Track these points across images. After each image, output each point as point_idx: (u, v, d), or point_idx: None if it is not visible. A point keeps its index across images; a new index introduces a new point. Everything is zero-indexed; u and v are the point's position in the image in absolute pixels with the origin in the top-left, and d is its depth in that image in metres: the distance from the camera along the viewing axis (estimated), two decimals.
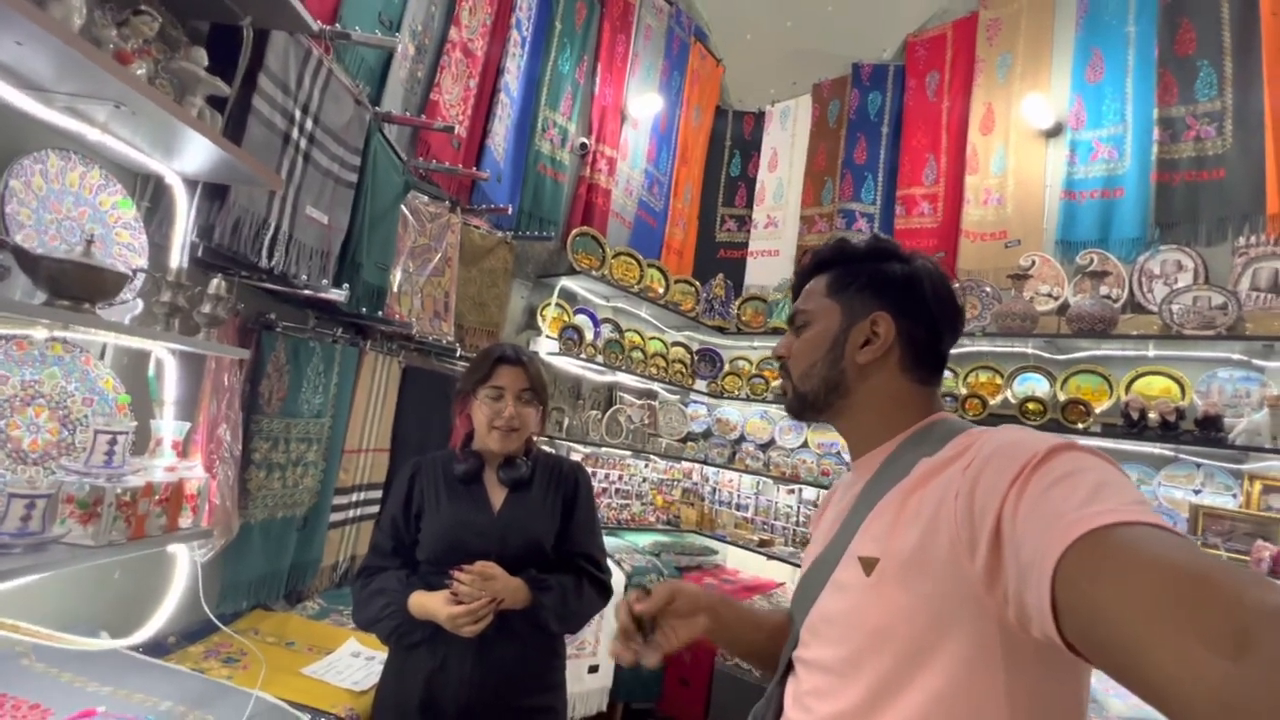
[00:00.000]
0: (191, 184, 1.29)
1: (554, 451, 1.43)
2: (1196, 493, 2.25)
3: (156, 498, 1.08)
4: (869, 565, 0.66)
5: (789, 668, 0.76)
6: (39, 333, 1.06)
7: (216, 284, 1.20)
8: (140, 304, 1.19)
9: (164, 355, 1.28)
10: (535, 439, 1.43)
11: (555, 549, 1.32)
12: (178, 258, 1.26)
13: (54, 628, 1.19)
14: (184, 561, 1.33)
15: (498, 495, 1.32)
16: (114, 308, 1.15)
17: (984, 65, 3.18)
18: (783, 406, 3.44)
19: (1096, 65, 2.83)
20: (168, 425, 1.21)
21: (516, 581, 1.21)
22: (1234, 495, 2.20)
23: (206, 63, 1.11)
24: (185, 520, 1.17)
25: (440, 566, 1.23)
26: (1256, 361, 2.24)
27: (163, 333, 1.10)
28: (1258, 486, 2.15)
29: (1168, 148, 2.54)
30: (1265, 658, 0.34)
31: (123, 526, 1.01)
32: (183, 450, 1.24)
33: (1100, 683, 2.00)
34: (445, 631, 1.17)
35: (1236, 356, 2.28)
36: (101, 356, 1.25)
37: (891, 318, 0.77)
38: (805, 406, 0.82)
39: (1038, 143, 2.94)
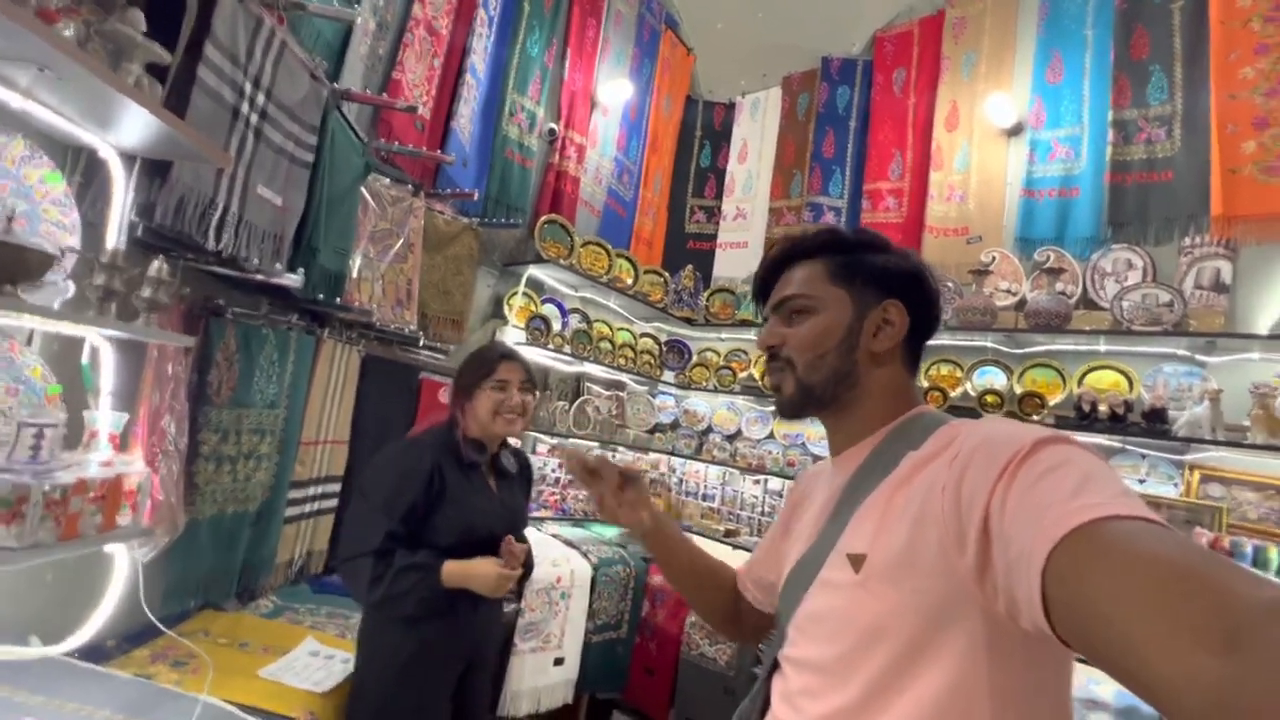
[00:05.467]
0: (130, 159, 1.20)
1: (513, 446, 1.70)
2: (1141, 482, 2.35)
3: (91, 495, 1.01)
4: (857, 562, 0.65)
5: (774, 666, 0.76)
6: None
7: (157, 266, 1.12)
8: (72, 287, 1.10)
9: (99, 342, 1.20)
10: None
11: None
12: (114, 238, 1.17)
13: None
14: (123, 561, 1.25)
15: (491, 483, 1.54)
16: (42, 290, 1.07)
17: (949, 63, 3.23)
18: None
19: (1056, 67, 2.90)
20: (104, 417, 1.12)
21: None
22: (1175, 485, 2.30)
23: (144, 26, 1.02)
24: (124, 519, 1.10)
25: (458, 547, 1.39)
26: (1199, 357, 2.35)
27: (97, 318, 1.02)
28: (1196, 476, 2.26)
29: (1121, 149, 2.63)
30: (1257, 654, 0.34)
31: (51, 527, 0.94)
32: (121, 444, 1.16)
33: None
34: (457, 603, 1.37)
35: (1181, 352, 2.38)
36: (29, 343, 1.16)
37: (904, 307, 0.77)
38: (809, 400, 0.78)
39: (1000, 141, 3.01)
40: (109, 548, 1.21)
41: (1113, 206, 2.62)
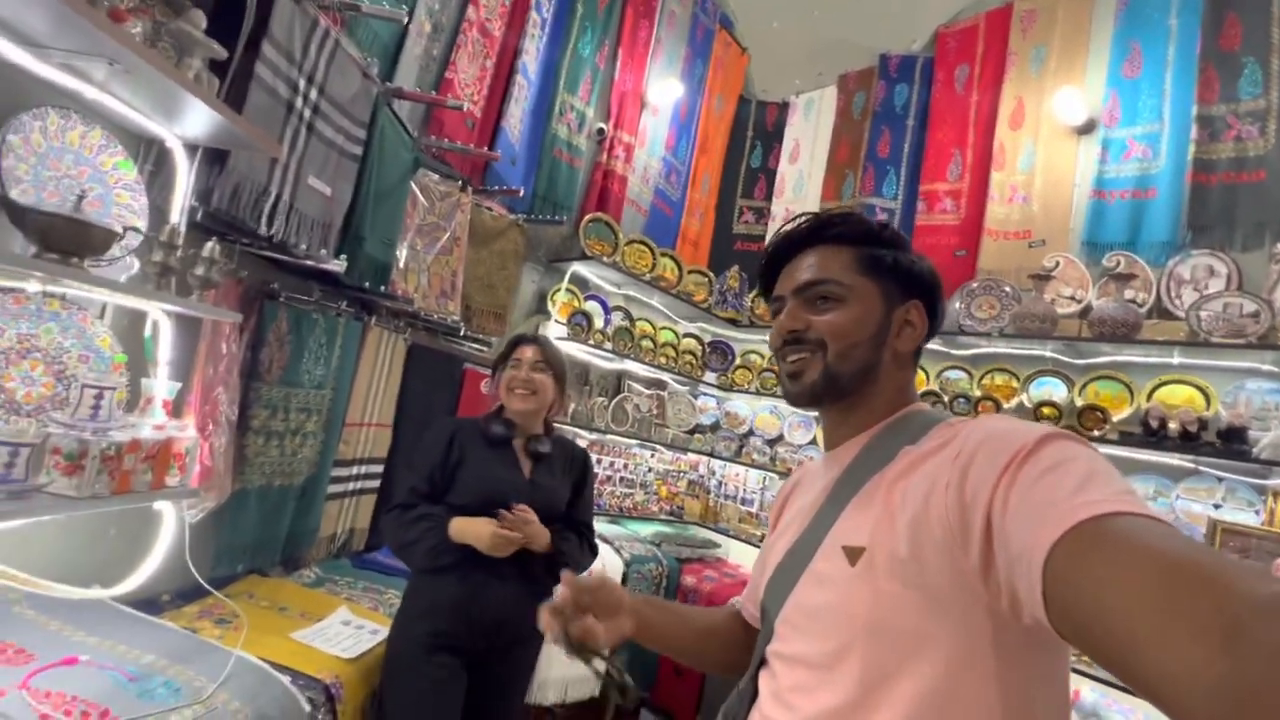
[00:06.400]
0: (192, 148, 1.30)
1: (566, 436, 1.78)
2: (1217, 507, 2.16)
3: (143, 454, 1.10)
4: (854, 555, 0.64)
5: (761, 663, 0.74)
6: (31, 286, 1.08)
7: (210, 247, 1.21)
8: (136, 264, 1.21)
9: (159, 317, 1.30)
10: (553, 419, 1.71)
11: (564, 516, 1.61)
12: (175, 220, 1.27)
13: (48, 580, 1.22)
14: (171, 520, 1.35)
15: (526, 464, 1.60)
16: (111, 267, 1.17)
17: (1016, 58, 3.07)
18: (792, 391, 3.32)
19: (1135, 60, 2.71)
20: (160, 385, 1.23)
21: (544, 530, 1.50)
22: (1256, 512, 2.10)
23: (204, 25, 1.11)
24: (172, 479, 1.19)
25: (474, 509, 1.46)
26: None
27: (154, 292, 1.12)
28: None
29: (1205, 147, 2.43)
30: (1258, 650, 0.33)
31: (106, 480, 1.03)
32: (174, 411, 1.25)
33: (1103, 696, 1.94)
34: (473, 562, 1.42)
35: (1267, 367, 2.17)
36: (101, 316, 1.27)
37: (924, 309, 0.77)
38: (831, 389, 0.74)
39: (1069, 139, 2.84)
40: (158, 505, 1.31)
41: (1194, 209, 2.42)
